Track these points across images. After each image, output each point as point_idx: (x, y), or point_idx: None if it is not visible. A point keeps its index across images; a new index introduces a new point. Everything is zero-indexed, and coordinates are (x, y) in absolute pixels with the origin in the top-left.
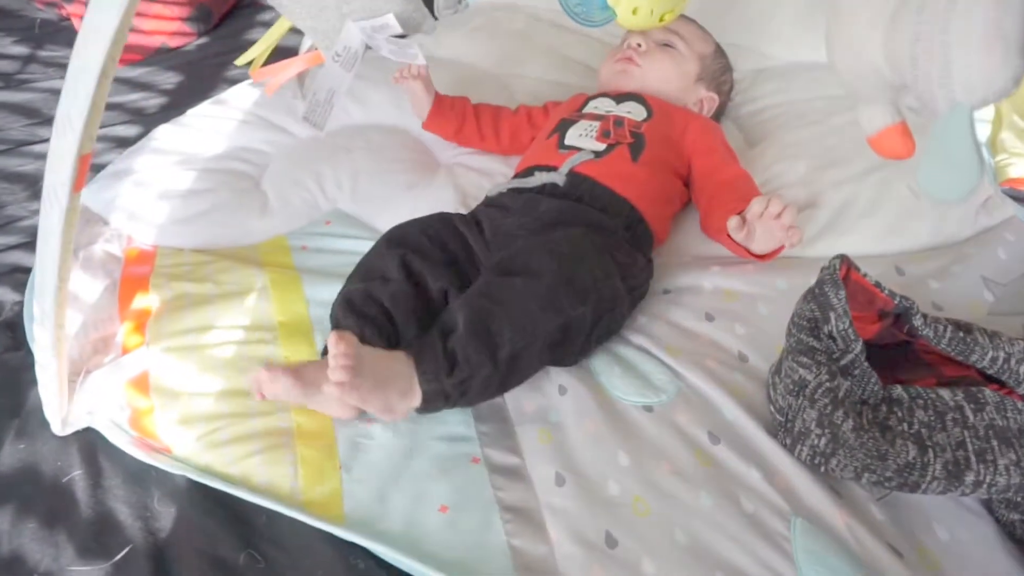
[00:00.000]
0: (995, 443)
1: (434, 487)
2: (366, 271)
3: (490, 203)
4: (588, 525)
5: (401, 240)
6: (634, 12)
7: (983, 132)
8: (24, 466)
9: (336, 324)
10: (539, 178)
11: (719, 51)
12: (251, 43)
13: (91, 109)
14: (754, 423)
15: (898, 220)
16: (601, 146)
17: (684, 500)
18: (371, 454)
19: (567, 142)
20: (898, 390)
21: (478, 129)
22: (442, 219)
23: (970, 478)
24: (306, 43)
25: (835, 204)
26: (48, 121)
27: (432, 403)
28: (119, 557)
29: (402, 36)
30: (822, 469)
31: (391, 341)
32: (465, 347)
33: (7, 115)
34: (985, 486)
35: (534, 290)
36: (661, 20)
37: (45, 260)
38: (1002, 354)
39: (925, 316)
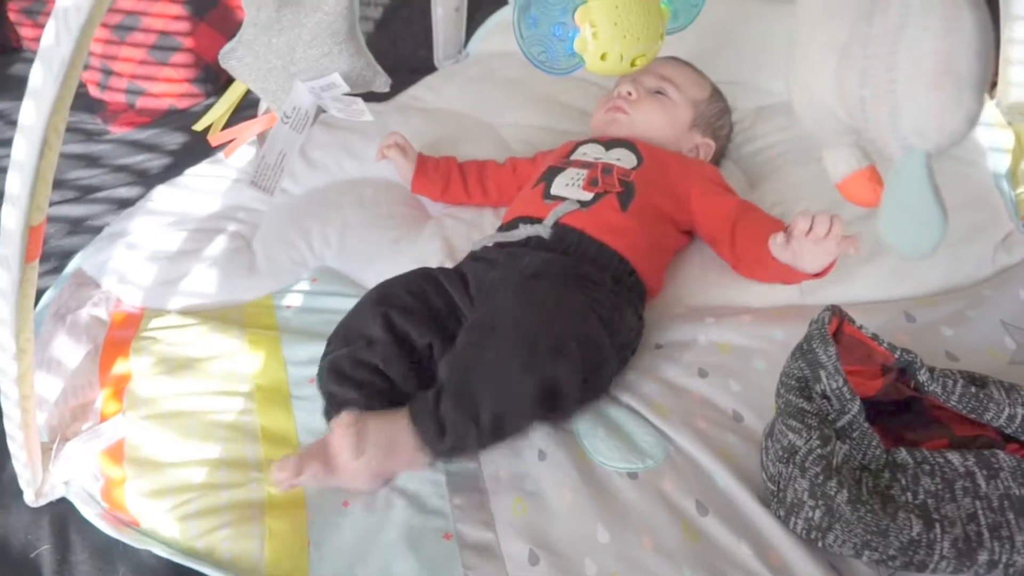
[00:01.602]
0: (1011, 516)
1: (401, 566)
2: (346, 333)
3: (475, 257)
4: None
5: (383, 298)
6: (603, 58)
7: (1003, 162)
8: None
9: (330, 395)
10: (524, 231)
11: (715, 95)
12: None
13: (36, 180)
14: (747, 491)
15: (907, 262)
16: (588, 195)
17: None
18: (343, 531)
19: (553, 192)
20: (902, 454)
21: (464, 187)
22: (425, 275)
23: (983, 557)
24: (264, 104)
25: None
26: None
27: (439, 459)
28: None
29: (356, 95)
30: (819, 544)
31: (393, 400)
32: (449, 412)
33: None
34: (1001, 567)
35: (511, 350)
36: (633, 65)
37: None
38: (1020, 411)
39: (932, 369)
